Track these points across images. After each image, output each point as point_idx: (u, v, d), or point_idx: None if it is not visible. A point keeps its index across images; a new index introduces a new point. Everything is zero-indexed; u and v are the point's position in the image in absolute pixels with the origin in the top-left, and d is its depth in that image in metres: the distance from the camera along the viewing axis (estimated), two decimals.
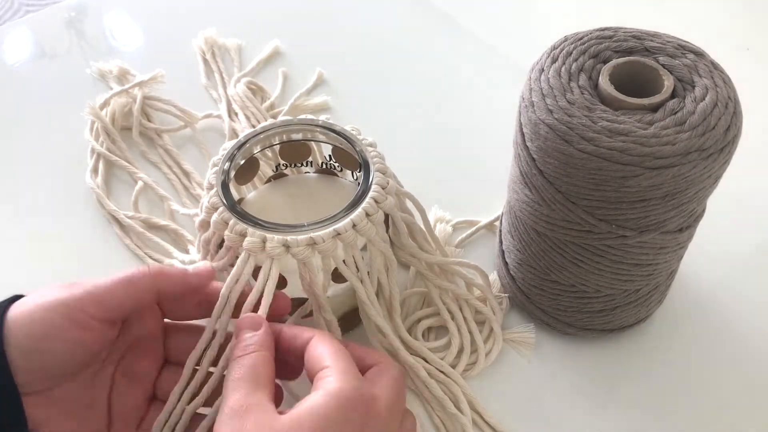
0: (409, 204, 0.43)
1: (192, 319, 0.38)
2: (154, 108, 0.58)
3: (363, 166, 0.40)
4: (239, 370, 0.32)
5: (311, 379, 0.33)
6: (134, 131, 0.56)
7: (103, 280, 0.33)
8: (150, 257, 0.48)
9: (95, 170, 0.53)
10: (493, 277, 0.46)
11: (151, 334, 0.37)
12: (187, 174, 0.54)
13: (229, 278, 0.36)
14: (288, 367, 0.35)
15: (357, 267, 0.38)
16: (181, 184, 0.53)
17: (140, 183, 0.52)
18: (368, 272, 0.39)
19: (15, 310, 0.31)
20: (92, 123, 0.55)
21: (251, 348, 0.33)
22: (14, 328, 0.31)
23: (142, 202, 0.51)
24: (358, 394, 0.30)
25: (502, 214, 0.46)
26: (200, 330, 0.37)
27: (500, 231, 0.46)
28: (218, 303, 0.36)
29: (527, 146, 0.37)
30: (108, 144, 0.54)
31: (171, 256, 0.47)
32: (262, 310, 0.35)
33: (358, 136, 0.42)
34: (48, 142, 0.56)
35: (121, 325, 0.35)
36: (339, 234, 0.37)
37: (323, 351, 0.32)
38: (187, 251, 0.48)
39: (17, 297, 0.33)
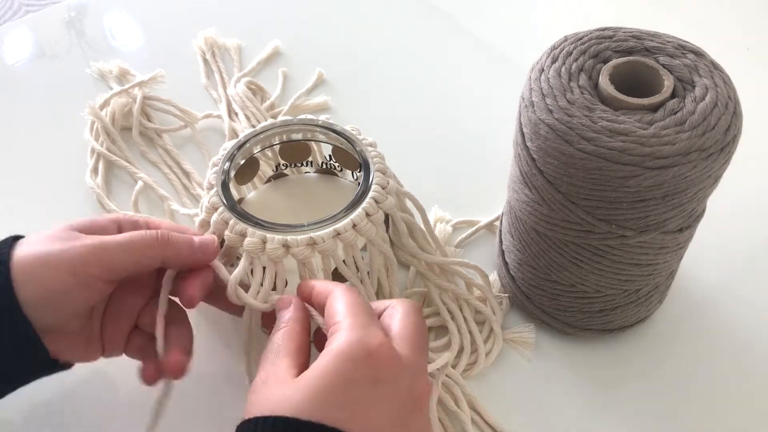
0: (409, 204, 0.43)
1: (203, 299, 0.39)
2: (154, 108, 0.58)
3: (363, 166, 0.40)
4: (268, 346, 0.33)
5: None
6: (134, 131, 0.56)
7: (108, 240, 0.34)
8: None
9: (95, 170, 0.53)
10: (493, 277, 0.46)
11: (144, 275, 0.38)
12: (187, 174, 0.53)
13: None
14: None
15: (357, 267, 0.38)
16: (181, 184, 0.53)
17: (140, 183, 0.52)
18: (368, 272, 0.39)
19: (20, 261, 0.32)
20: (92, 123, 0.55)
21: (281, 325, 0.34)
22: (20, 280, 0.32)
23: (142, 202, 0.51)
24: (360, 347, 0.29)
25: (502, 214, 0.46)
26: (193, 273, 0.37)
27: (500, 231, 0.46)
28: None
29: (527, 146, 0.36)
30: (108, 144, 0.54)
31: None
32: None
33: (358, 136, 0.42)
34: (48, 142, 0.56)
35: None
36: (339, 234, 0.37)
37: (338, 305, 0.32)
38: None
39: (17, 237, 0.34)
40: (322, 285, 0.35)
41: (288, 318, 0.34)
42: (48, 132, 0.57)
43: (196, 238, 0.37)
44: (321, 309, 0.34)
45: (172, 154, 0.55)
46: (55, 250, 0.33)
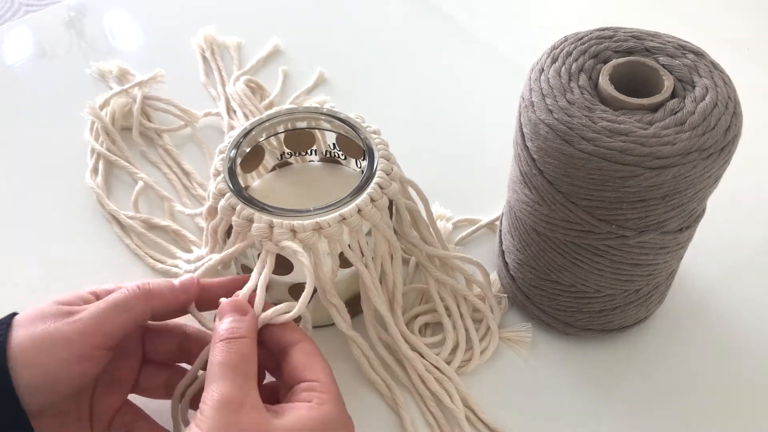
0: (413, 195, 0.43)
1: (173, 361, 0.38)
2: (154, 108, 0.58)
3: (367, 152, 0.40)
4: (227, 355, 0.31)
5: (289, 384, 0.33)
6: (134, 131, 0.56)
7: (97, 307, 0.33)
8: (151, 257, 0.48)
9: (95, 170, 0.53)
10: (494, 276, 0.46)
11: (131, 340, 0.37)
12: (187, 174, 0.53)
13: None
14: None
15: (362, 252, 0.38)
16: (181, 184, 0.53)
17: (140, 183, 0.52)
18: (372, 258, 0.39)
19: (17, 347, 0.31)
20: (92, 123, 0.55)
21: (239, 332, 0.32)
22: (18, 365, 0.31)
23: (142, 202, 0.51)
24: (340, 421, 0.31)
25: (502, 214, 0.46)
26: (178, 328, 0.38)
27: (500, 231, 0.46)
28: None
29: (527, 146, 0.37)
30: (108, 144, 0.54)
31: (172, 256, 0.47)
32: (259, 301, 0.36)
33: (362, 124, 0.42)
34: (48, 142, 0.56)
35: None
36: (344, 219, 0.37)
37: (315, 363, 0.32)
38: (188, 251, 0.47)
39: (13, 315, 0.33)
40: (278, 326, 0.34)
41: (245, 327, 0.32)
42: (48, 132, 0.57)
43: (175, 281, 0.36)
44: (268, 348, 0.34)
45: (172, 154, 0.55)
46: (51, 330, 0.32)
